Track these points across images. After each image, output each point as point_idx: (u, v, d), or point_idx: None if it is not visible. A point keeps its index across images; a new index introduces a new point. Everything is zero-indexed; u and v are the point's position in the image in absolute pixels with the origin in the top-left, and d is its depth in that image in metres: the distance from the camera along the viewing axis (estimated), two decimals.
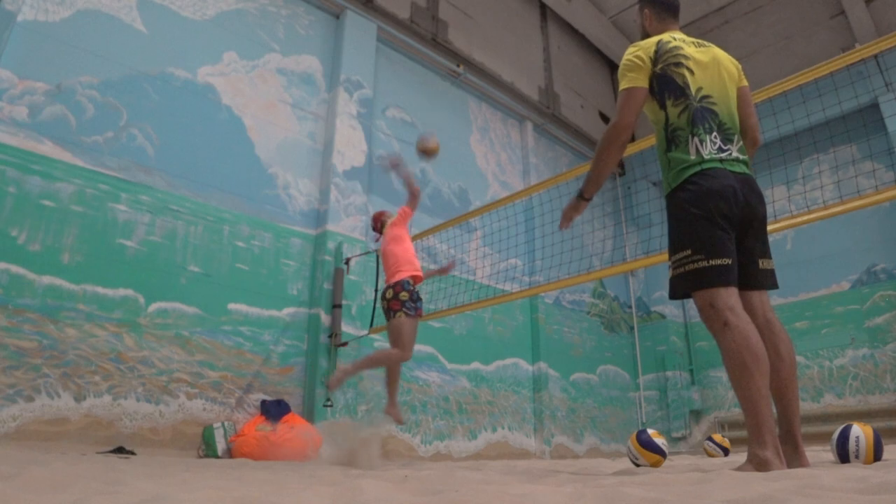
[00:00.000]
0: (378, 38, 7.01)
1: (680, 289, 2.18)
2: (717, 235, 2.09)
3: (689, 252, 2.11)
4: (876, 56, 7.45)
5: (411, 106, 7.31)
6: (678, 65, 2.28)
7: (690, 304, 9.66)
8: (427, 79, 7.66)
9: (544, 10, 10.15)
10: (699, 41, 2.43)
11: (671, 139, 2.26)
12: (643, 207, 9.78)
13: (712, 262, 2.06)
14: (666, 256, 4.09)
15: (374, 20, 6.97)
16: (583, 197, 2.52)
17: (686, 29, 10.58)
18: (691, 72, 2.28)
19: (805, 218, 3.13)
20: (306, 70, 6.34)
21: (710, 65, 2.35)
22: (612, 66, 11.39)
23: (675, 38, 2.38)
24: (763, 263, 2.27)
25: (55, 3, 4.70)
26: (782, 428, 2.14)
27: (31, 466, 2.06)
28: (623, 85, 2.31)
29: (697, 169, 2.17)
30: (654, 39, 2.36)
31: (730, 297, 2.07)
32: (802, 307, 8.16)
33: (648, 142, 4.17)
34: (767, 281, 2.27)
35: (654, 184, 10.12)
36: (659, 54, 2.29)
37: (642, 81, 2.28)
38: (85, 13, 4.85)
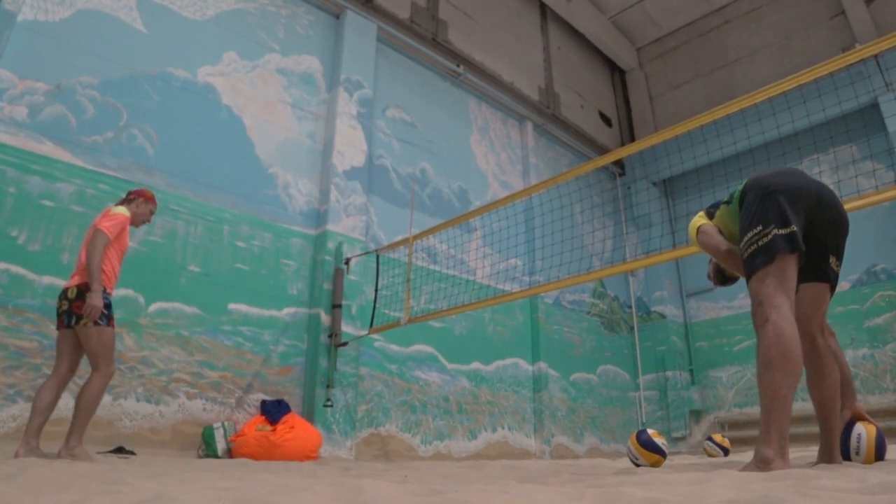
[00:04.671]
0: (378, 38, 7.01)
1: (752, 267, 2.24)
2: (782, 207, 2.18)
3: (759, 228, 2.20)
4: (876, 56, 7.45)
5: (411, 106, 7.31)
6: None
7: (691, 304, 9.68)
8: (427, 79, 7.66)
9: (544, 10, 10.15)
10: None
11: (730, 199, 2.49)
12: (643, 207, 9.78)
13: (781, 231, 2.14)
14: (665, 257, 4.12)
15: (374, 20, 6.97)
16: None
17: (686, 29, 10.64)
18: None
19: None
20: (306, 70, 6.34)
21: None
22: (613, 66, 11.39)
23: None
24: (833, 261, 2.37)
25: (55, 3, 4.70)
26: (822, 439, 2.31)
27: (31, 466, 2.06)
28: (694, 234, 2.66)
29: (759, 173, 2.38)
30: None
31: (785, 278, 2.12)
32: None
33: (648, 141, 4.17)
34: (833, 278, 2.38)
35: (654, 184, 10.12)
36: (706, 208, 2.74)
37: (704, 219, 2.65)
38: (85, 13, 4.85)
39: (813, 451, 3.90)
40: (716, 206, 2.62)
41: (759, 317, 2.11)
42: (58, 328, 3.25)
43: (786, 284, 2.12)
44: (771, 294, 2.10)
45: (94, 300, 3.12)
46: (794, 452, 4.71)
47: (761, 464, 1.90)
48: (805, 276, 2.34)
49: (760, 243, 2.17)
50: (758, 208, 2.22)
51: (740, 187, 2.42)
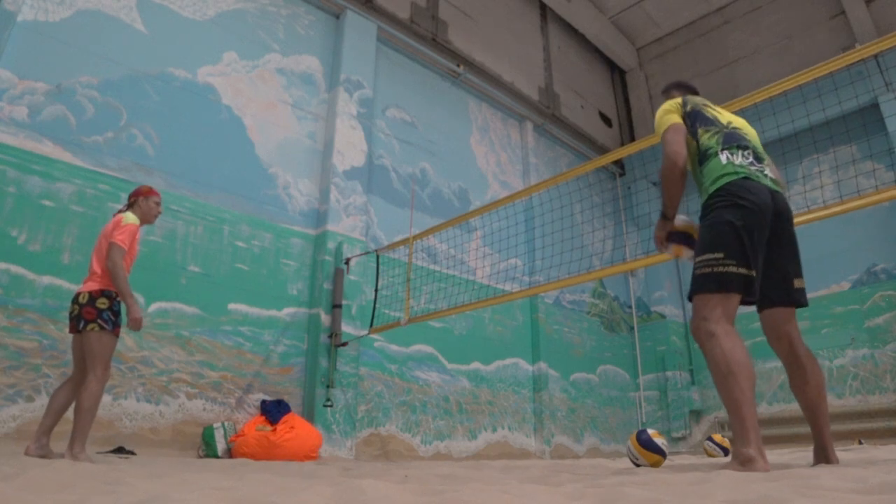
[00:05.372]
0: (378, 38, 7.01)
1: (701, 287, 2.26)
2: (749, 247, 2.20)
3: (720, 255, 2.21)
4: (876, 56, 7.46)
5: (411, 106, 7.31)
6: (706, 106, 2.58)
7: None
8: (427, 79, 7.66)
9: (544, 10, 10.15)
10: None
11: (703, 157, 2.43)
12: (643, 207, 9.78)
13: (740, 270, 2.18)
14: (666, 257, 4.10)
15: (374, 20, 6.97)
16: (664, 216, 2.61)
17: (686, 29, 10.64)
18: (719, 112, 2.57)
19: (805, 218, 3.13)
20: (306, 70, 6.34)
21: (735, 116, 2.62)
22: (613, 66, 11.39)
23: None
24: (797, 283, 2.41)
25: (55, 3, 4.70)
26: (815, 441, 2.36)
27: (31, 466, 2.06)
28: (663, 128, 2.52)
29: (734, 177, 2.30)
30: (679, 97, 2.65)
31: (729, 308, 2.18)
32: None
33: (648, 142, 4.17)
34: (800, 298, 2.42)
35: (654, 184, 10.12)
36: (685, 102, 2.59)
37: (678, 118, 2.52)
38: (85, 13, 4.85)
39: (808, 451, 3.90)
40: (693, 124, 2.48)
41: (702, 331, 2.18)
42: (70, 332, 3.24)
43: (728, 306, 2.19)
44: (717, 314, 2.17)
45: (134, 313, 3.15)
46: (794, 453, 4.72)
47: (747, 462, 1.95)
48: (771, 301, 2.40)
49: (717, 270, 2.20)
50: (723, 236, 2.22)
51: (718, 179, 2.32)
